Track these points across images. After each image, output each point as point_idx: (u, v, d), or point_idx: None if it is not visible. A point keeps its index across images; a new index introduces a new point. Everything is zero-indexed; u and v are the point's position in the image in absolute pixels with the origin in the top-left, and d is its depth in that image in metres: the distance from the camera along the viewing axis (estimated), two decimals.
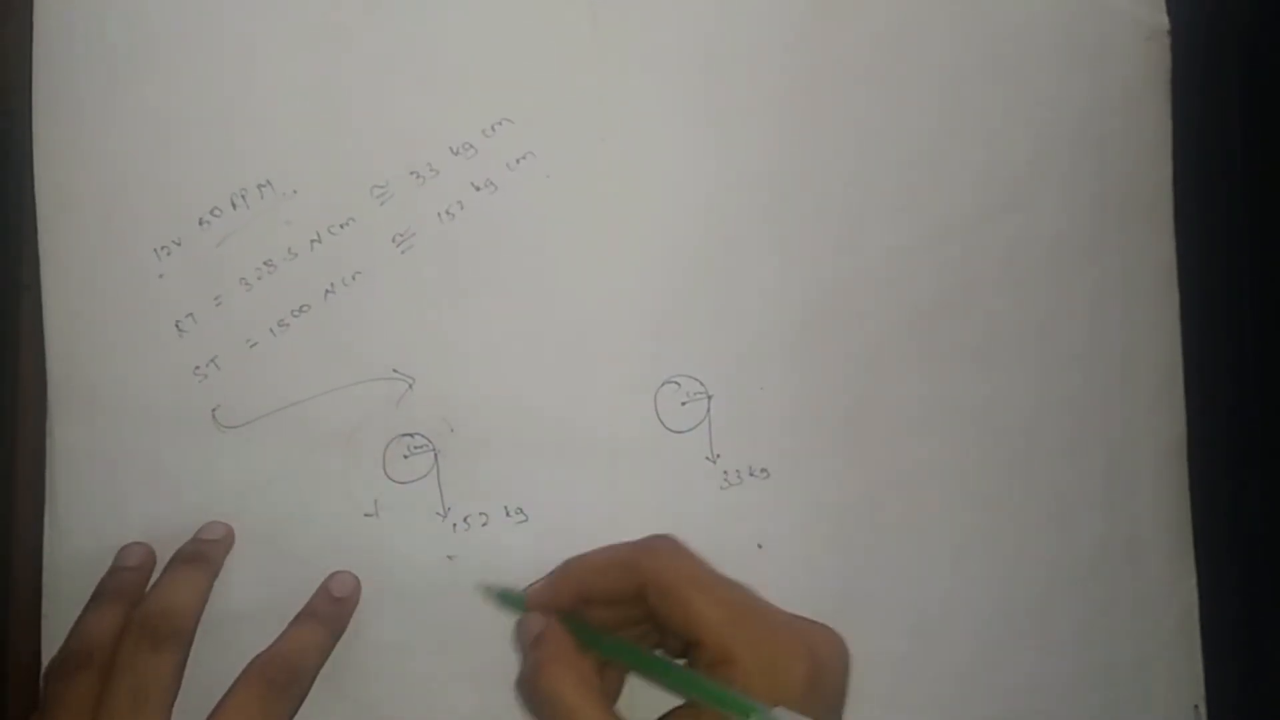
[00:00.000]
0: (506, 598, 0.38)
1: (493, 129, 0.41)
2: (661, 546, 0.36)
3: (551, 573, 0.38)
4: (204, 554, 0.38)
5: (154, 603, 0.37)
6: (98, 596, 0.38)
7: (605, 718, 0.33)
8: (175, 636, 0.36)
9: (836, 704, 0.34)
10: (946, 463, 0.42)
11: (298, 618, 0.39)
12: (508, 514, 0.40)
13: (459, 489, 0.40)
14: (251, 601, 0.39)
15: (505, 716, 0.40)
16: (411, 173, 0.41)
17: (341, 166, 0.41)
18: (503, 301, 0.41)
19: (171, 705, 0.35)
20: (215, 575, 0.38)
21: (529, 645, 0.36)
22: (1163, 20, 0.43)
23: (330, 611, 0.39)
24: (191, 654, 0.37)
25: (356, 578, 0.40)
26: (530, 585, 0.38)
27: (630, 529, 0.40)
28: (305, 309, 0.40)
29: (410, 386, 0.40)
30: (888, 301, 0.42)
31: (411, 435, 0.40)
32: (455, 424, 0.40)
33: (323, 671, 0.38)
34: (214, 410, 0.40)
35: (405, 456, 0.40)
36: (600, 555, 0.37)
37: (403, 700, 0.40)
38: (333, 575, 0.39)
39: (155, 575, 0.39)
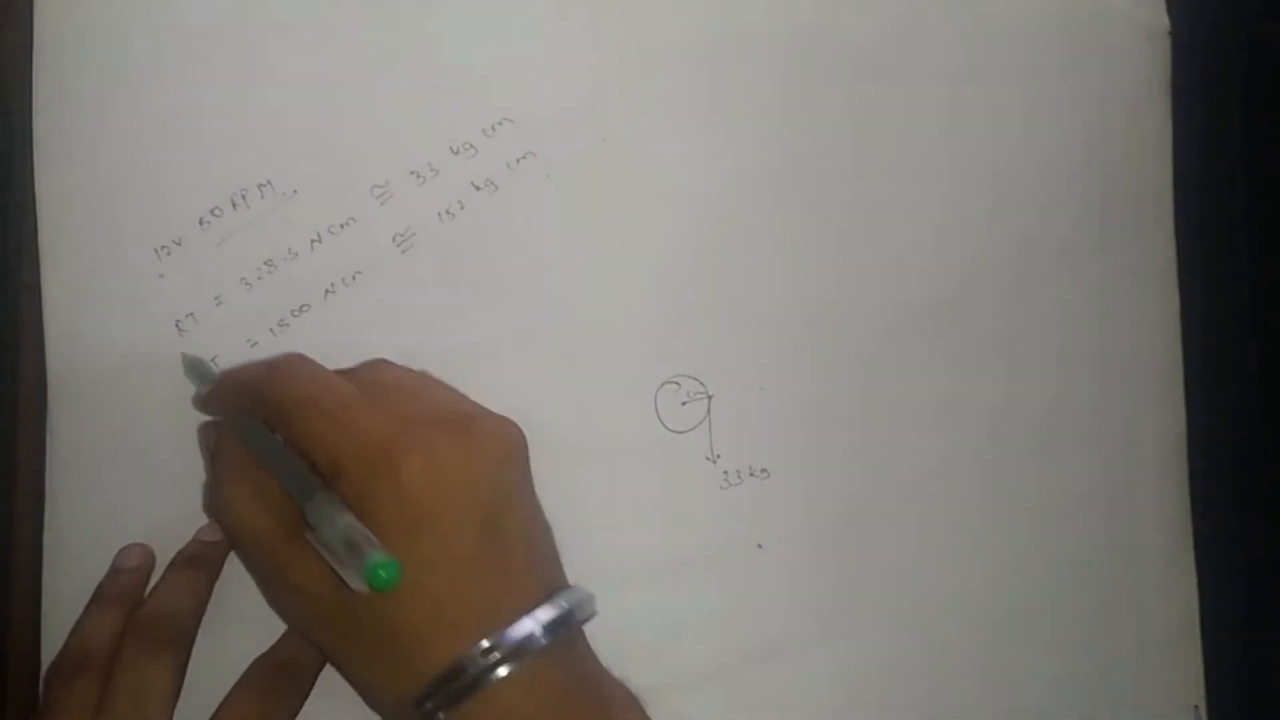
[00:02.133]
0: (196, 369, 0.38)
1: (493, 129, 0.41)
2: (280, 367, 0.35)
3: (224, 373, 0.38)
4: (204, 556, 0.38)
5: (154, 605, 0.37)
6: (97, 599, 0.38)
7: (275, 527, 0.33)
8: (176, 639, 0.36)
9: (491, 491, 0.33)
10: (946, 463, 0.42)
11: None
12: None
13: None
14: (251, 602, 0.39)
15: None
16: (411, 173, 0.41)
17: (341, 166, 0.41)
18: (503, 301, 0.41)
19: (173, 708, 0.35)
20: (216, 577, 0.38)
21: (207, 456, 0.37)
22: (1163, 20, 0.43)
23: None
24: (192, 655, 0.37)
25: None
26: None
27: (630, 529, 0.40)
28: (305, 309, 0.40)
29: None
30: (888, 302, 0.42)
31: None
32: None
33: (323, 672, 0.38)
34: None
35: None
36: (235, 374, 0.37)
37: None
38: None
39: (155, 576, 0.39)
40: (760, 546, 0.41)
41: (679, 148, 0.42)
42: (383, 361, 0.38)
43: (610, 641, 0.39)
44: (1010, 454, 0.42)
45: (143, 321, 0.40)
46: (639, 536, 0.40)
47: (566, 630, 0.33)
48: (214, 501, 0.36)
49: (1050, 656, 0.41)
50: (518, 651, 0.31)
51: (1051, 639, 0.41)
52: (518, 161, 0.41)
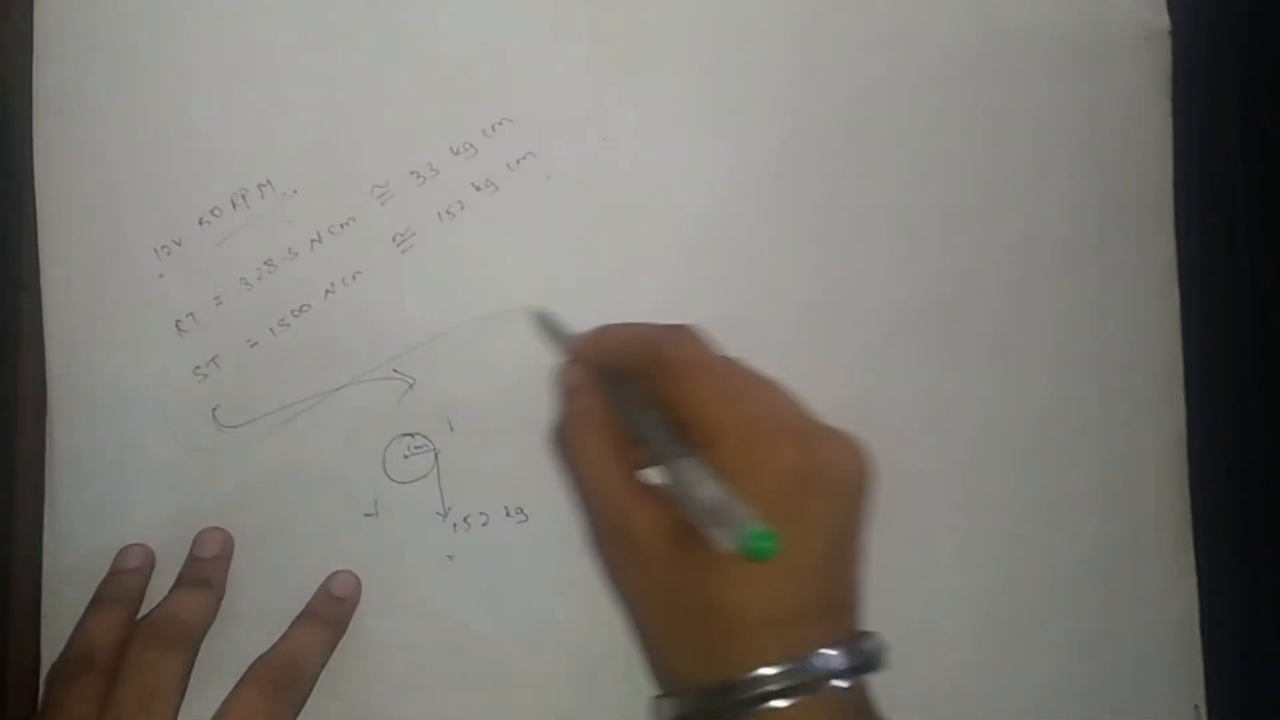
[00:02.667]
0: (547, 323, 0.39)
1: (493, 129, 0.41)
2: (681, 331, 0.35)
3: (591, 331, 0.38)
4: (207, 577, 0.38)
5: (161, 611, 0.37)
6: (98, 600, 0.38)
7: (622, 477, 0.34)
8: (183, 641, 0.36)
9: (842, 515, 0.33)
10: (947, 463, 0.42)
11: (299, 618, 0.39)
12: (508, 514, 0.40)
13: (459, 489, 0.40)
14: (252, 602, 0.39)
15: (505, 716, 0.40)
16: (412, 173, 0.41)
17: (341, 166, 0.41)
18: (503, 301, 0.41)
19: (178, 708, 0.35)
20: (221, 594, 0.39)
21: (565, 396, 0.37)
22: (1163, 20, 0.43)
23: (331, 612, 0.39)
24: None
25: (357, 577, 0.40)
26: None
27: None
28: (305, 309, 0.40)
29: (410, 386, 0.40)
30: (888, 302, 0.42)
31: (411, 435, 0.40)
32: (455, 424, 0.40)
33: (323, 672, 0.38)
34: (214, 410, 0.40)
35: (405, 456, 0.40)
36: (628, 329, 0.38)
37: (403, 701, 0.40)
38: (333, 575, 0.39)
39: (155, 582, 0.39)
40: None
41: (679, 148, 0.42)
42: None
43: (611, 640, 0.39)
44: (1010, 454, 0.42)
45: (143, 321, 0.40)
46: None
47: (868, 673, 0.32)
48: (568, 441, 0.36)
49: (1050, 656, 0.41)
50: (823, 679, 0.31)
51: (1051, 639, 0.41)
52: (518, 161, 0.41)
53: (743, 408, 0.33)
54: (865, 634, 0.33)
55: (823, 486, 0.32)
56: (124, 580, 0.38)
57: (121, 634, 0.36)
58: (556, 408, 0.39)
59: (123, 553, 0.39)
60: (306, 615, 0.39)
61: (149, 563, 0.39)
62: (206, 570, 0.38)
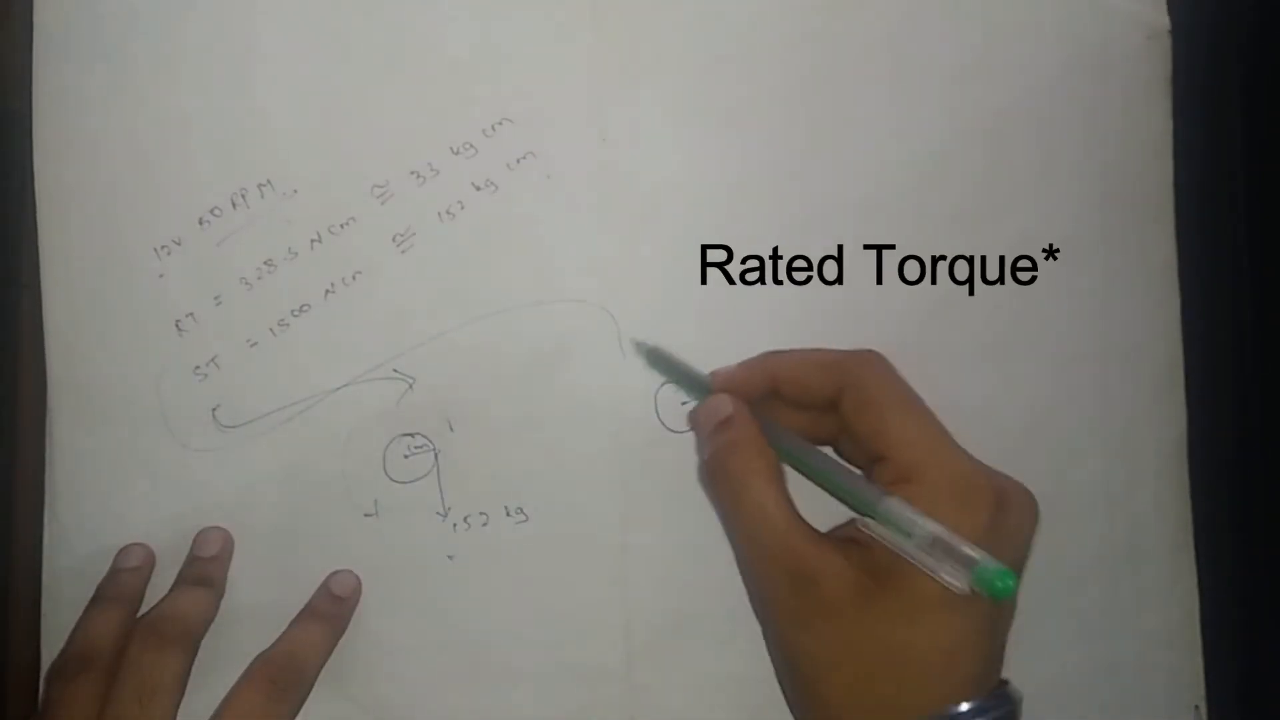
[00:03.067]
0: (656, 356, 0.38)
1: (493, 129, 0.41)
2: (871, 358, 0.35)
3: (742, 361, 0.37)
4: (207, 576, 0.38)
5: (161, 610, 0.37)
6: (98, 599, 0.38)
7: (796, 520, 0.33)
8: (182, 639, 0.36)
9: (1016, 558, 0.33)
10: None
11: (299, 617, 0.39)
12: (508, 514, 0.40)
13: (459, 489, 0.40)
14: (251, 601, 0.39)
15: (505, 716, 0.40)
16: (412, 173, 0.41)
17: (341, 166, 0.41)
18: (503, 301, 0.41)
19: (177, 706, 0.35)
20: (221, 593, 0.39)
21: (714, 427, 0.35)
22: (1163, 20, 0.43)
23: (331, 611, 0.39)
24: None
25: (357, 577, 0.40)
26: (714, 371, 0.38)
27: (631, 528, 0.40)
28: (305, 309, 0.40)
29: (410, 386, 0.40)
30: (888, 301, 0.42)
31: (411, 435, 0.40)
32: (455, 424, 0.40)
33: (323, 671, 0.38)
34: (214, 410, 0.40)
35: (405, 456, 0.40)
36: (802, 352, 0.36)
37: (403, 700, 0.40)
38: (333, 574, 0.39)
39: (155, 582, 0.39)
40: None
41: (679, 148, 0.42)
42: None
43: (612, 640, 0.39)
44: (1010, 454, 0.42)
45: (143, 321, 0.40)
46: (638, 536, 0.40)
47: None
48: (730, 476, 0.34)
49: (1050, 656, 0.41)
50: (1012, 713, 0.32)
51: (1052, 639, 0.41)
52: (518, 161, 0.41)
53: (945, 455, 0.33)
54: (1010, 684, 0.34)
55: (1009, 539, 0.33)
56: (124, 579, 0.38)
57: (121, 633, 0.36)
58: (703, 443, 0.37)
59: (123, 552, 0.39)
60: (306, 614, 0.39)
61: (149, 562, 0.39)
62: (206, 569, 0.38)
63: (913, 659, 0.31)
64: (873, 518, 0.32)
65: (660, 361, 0.39)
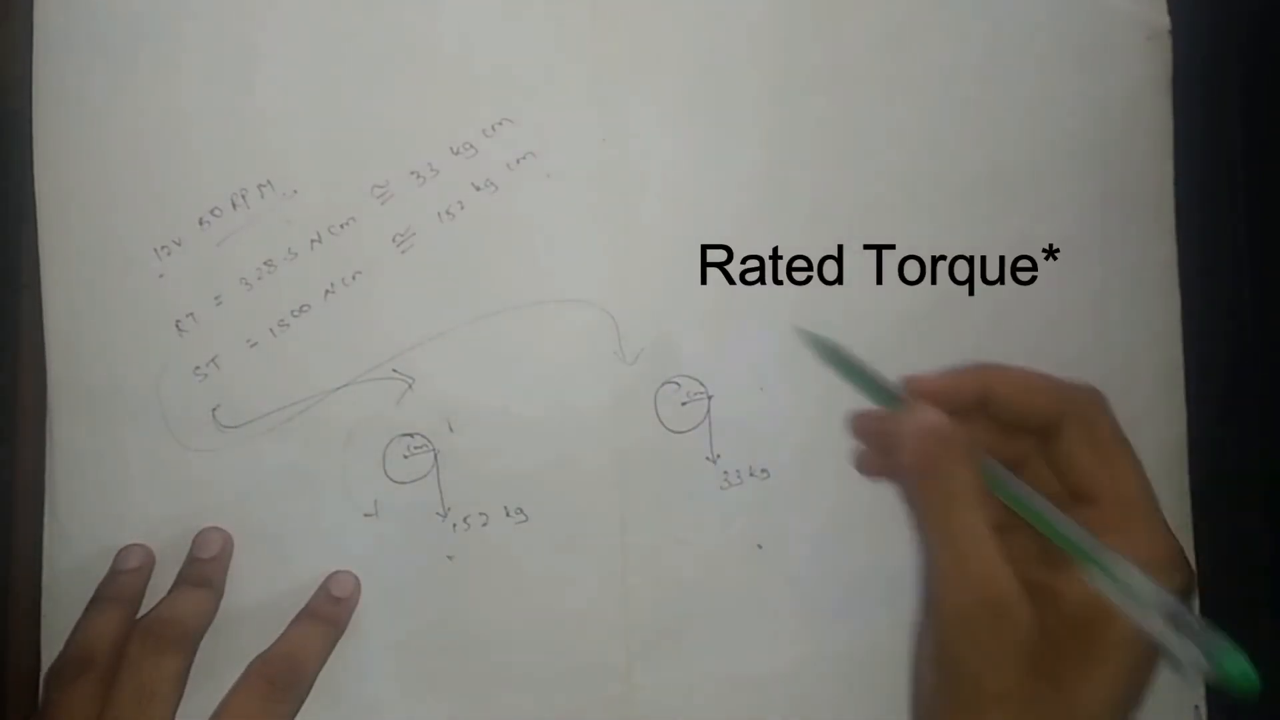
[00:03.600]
0: (833, 356, 0.35)
1: (493, 129, 0.41)
2: (1099, 394, 0.33)
3: (947, 371, 0.34)
4: (207, 577, 0.38)
5: (160, 611, 0.37)
6: (97, 600, 0.38)
7: (996, 540, 0.31)
8: (181, 642, 0.36)
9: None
10: None
11: (298, 617, 0.39)
12: (508, 514, 0.40)
13: (459, 489, 0.40)
14: (251, 602, 0.39)
15: (506, 716, 0.40)
16: (412, 173, 0.41)
17: (342, 166, 0.41)
18: (503, 301, 0.41)
19: (176, 708, 0.35)
20: (220, 594, 0.39)
21: (920, 432, 0.32)
22: (1164, 20, 0.43)
23: (330, 611, 0.39)
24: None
25: (356, 577, 0.40)
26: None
27: (631, 529, 0.40)
28: (305, 309, 0.40)
29: (410, 386, 0.40)
30: (888, 301, 0.42)
31: (411, 435, 0.40)
32: (455, 424, 0.40)
33: (323, 671, 0.38)
34: (214, 410, 0.40)
35: (405, 456, 0.40)
36: (1024, 371, 0.34)
37: (403, 700, 0.40)
38: (332, 575, 0.39)
39: (156, 583, 0.39)
40: (760, 547, 0.41)
41: (679, 148, 0.42)
42: None
43: (612, 640, 0.39)
44: None
45: (142, 321, 0.40)
46: (638, 536, 0.40)
47: None
48: (946, 513, 0.31)
49: None
50: None
51: None
52: (518, 161, 0.41)
53: (1154, 518, 0.32)
54: None
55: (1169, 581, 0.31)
56: (123, 580, 0.38)
57: (121, 634, 0.36)
58: (906, 446, 0.32)
59: (123, 553, 0.39)
60: (306, 615, 0.39)
61: (149, 563, 0.39)
62: (206, 570, 0.38)
63: (1079, 706, 0.31)
64: (1095, 568, 0.31)
65: (840, 361, 0.36)
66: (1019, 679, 0.31)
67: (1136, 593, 0.30)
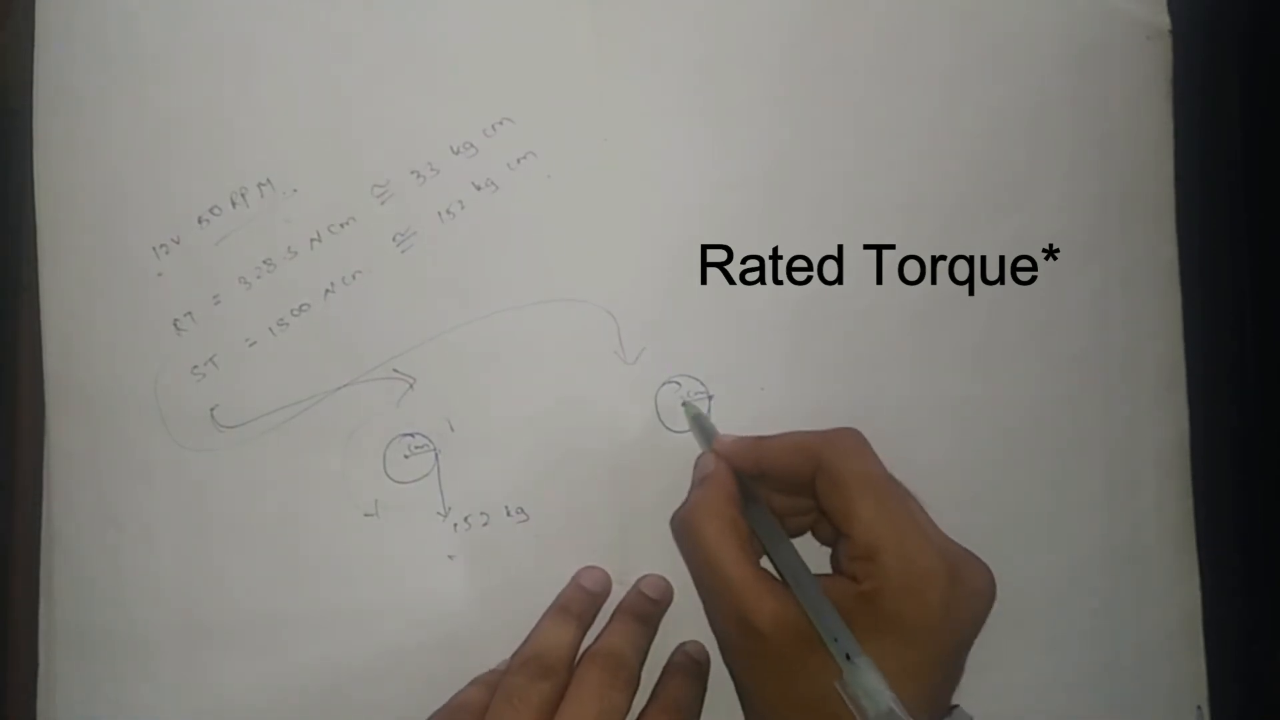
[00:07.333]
0: (699, 421, 0.40)
1: (493, 129, 0.41)
2: (845, 440, 0.36)
3: (744, 436, 0.38)
4: (647, 612, 0.39)
5: (615, 644, 0.37)
6: (563, 610, 0.38)
7: (743, 565, 0.34)
8: (632, 682, 0.36)
9: (966, 635, 0.34)
10: (947, 463, 0.42)
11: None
12: (508, 514, 0.40)
13: (459, 489, 0.40)
14: (252, 602, 0.39)
15: None
16: (412, 172, 0.41)
17: (342, 166, 0.41)
18: (503, 301, 0.41)
19: None
20: (654, 635, 0.39)
21: (695, 483, 0.37)
22: (1164, 20, 0.43)
23: (647, 610, 0.39)
24: (191, 649, 0.36)
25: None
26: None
27: (632, 528, 0.40)
28: (305, 308, 0.40)
29: (410, 386, 0.40)
30: (888, 301, 0.42)
31: (411, 435, 0.40)
32: (455, 424, 0.40)
33: (323, 672, 0.38)
34: (212, 409, 0.40)
35: (405, 456, 0.40)
36: (786, 436, 0.37)
37: (404, 701, 0.39)
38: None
39: (155, 582, 0.39)
40: None
41: (679, 148, 0.42)
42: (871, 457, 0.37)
43: None
44: (1011, 454, 0.42)
45: (141, 320, 0.40)
46: (640, 536, 0.40)
47: None
48: (690, 528, 0.36)
49: (1052, 656, 0.41)
50: None
51: (1054, 639, 0.41)
52: (518, 161, 0.41)
53: (903, 532, 0.34)
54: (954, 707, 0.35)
55: (962, 617, 0.34)
56: (583, 600, 0.39)
57: (576, 650, 0.37)
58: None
59: (584, 572, 0.40)
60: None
61: (607, 589, 0.40)
62: (651, 610, 0.39)
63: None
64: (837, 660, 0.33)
65: (699, 425, 0.40)
66: (788, 686, 0.33)
67: (868, 698, 0.31)
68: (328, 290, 0.40)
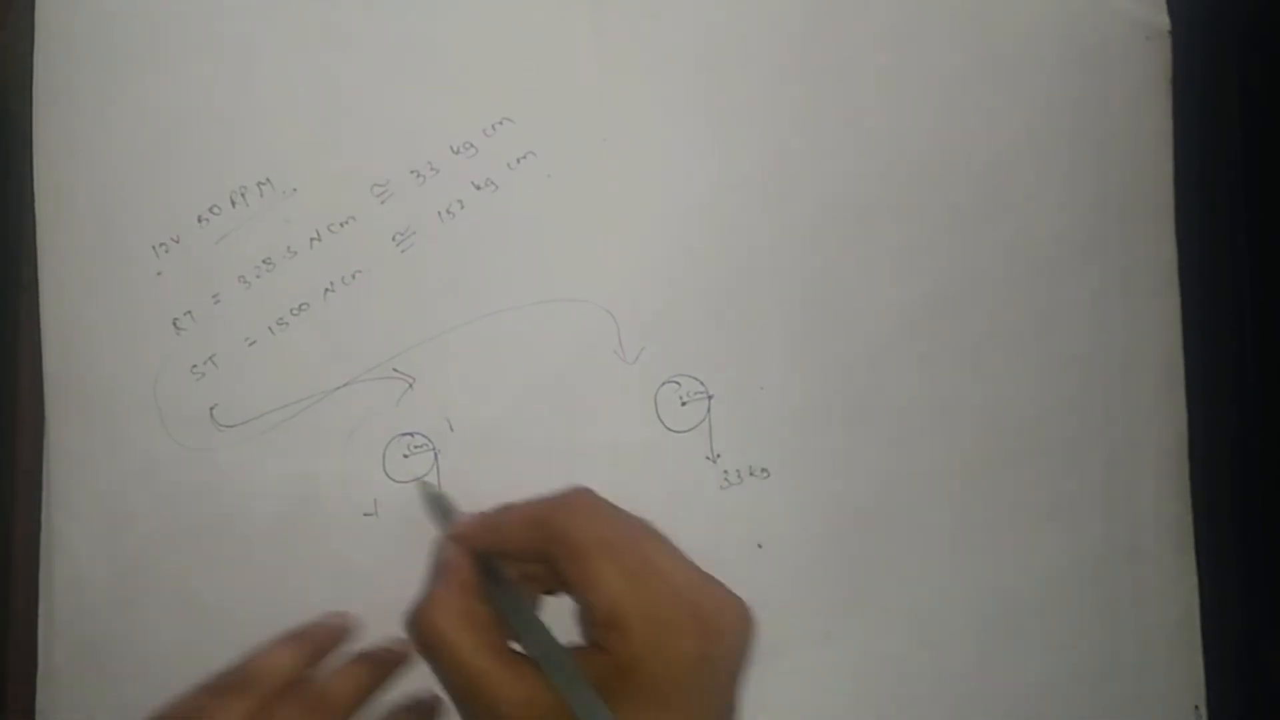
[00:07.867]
0: (438, 502, 0.38)
1: (493, 129, 0.41)
2: (574, 502, 0.34)
3: (481, 512, 0.36)
4: (383, 659, 0.38)
5: (333, 682, 0.36)
6: (294, 635, 0.37)
7: (483, 654, 0.32)
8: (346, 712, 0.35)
9: (731, 674, 0.33)
10: (946, 462, 0.42)
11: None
12: None
13: (458, 489, 0.40)
14: (251, 602, 0.39)
15: None
16: (412, 172, 0.41)
17: (341, 165, 0.41)
18: (503, 301, 0.41)
19: None
20: (383, 681, 0.38)
21: (430, 576, 0.35)
22: (1163, 20, 0.43)
23: (384, 659, 0.38)
24: (188, 651, 0.37)
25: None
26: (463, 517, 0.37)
27: None
28: (305, 307, 0.40)
29: (410, 386, 0.40)
30: (888, 301, 0.42)
31: (411, 435, 0.40)
32: (455, 424, 0.40)
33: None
34: (212, 409, 0.40)
35: (405, 456, 0.40)
36: (519, 508, 0.35)
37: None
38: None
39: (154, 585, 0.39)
40: (760, 546, 0.41)
41: (679, 148, 0.42)
42: (603, 505, 0.35)
43: None
44: (1010, 454, 0.42)
45: (140, 319, 0.40)
46: None
47: None
48: (425, 627, 0.33)
49: (1051, 656, 0.41)
50: None
51: (1052, 639, 0.41)
52: (518, 161, 0.41)
53: (644, 591, 0.32)
54: None
55: (720, 662, 0.32)
56: (321, 634, 0.37)
57: (289, 676, 0.36)
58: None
59: (333, 613, 0.38)
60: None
61: (350, 632, 0.38)
62: (386, 656, 0.38)
63: None
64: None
65: (438, 507, 0.38)
66: None
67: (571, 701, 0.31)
68: (327, 290, 0.40)
